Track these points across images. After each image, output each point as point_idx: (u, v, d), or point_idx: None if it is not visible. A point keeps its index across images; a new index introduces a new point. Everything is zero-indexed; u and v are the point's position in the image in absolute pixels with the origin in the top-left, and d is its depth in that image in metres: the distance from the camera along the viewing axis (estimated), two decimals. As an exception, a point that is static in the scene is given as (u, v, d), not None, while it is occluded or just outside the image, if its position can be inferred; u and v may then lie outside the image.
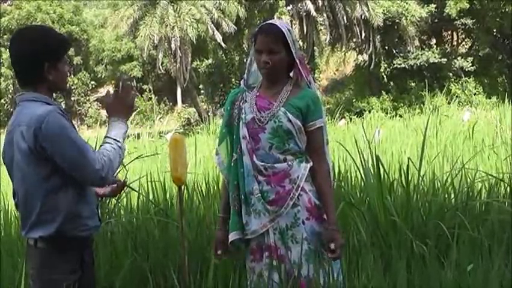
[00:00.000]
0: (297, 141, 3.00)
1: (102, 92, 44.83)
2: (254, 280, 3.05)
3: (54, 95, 2.79)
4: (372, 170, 4.65)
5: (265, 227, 2.99)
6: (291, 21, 34.10)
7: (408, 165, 4.56)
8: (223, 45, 33.47)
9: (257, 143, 3.00)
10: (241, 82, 3.19)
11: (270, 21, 3.15)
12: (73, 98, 40.19)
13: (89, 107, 41.48)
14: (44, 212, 2.64)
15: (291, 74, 3.09)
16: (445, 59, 33.34)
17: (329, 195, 3.03)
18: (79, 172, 2.60)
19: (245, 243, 3.07)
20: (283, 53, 2.99)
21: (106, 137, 2.72)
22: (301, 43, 34.11)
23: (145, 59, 36.43)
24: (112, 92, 2.80)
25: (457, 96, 27.10)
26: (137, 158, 6.49)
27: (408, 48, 33.47)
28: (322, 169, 3.04)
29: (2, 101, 38.09)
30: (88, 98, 41.74)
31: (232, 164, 3.05)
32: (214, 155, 3.26)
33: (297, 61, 3.04)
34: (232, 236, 3.05)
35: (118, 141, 2.70)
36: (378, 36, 33.47)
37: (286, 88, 3.04)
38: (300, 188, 2.98)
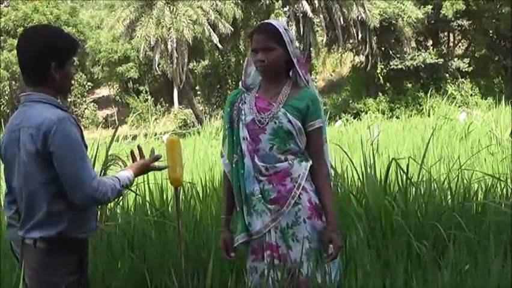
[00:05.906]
0: (298, 142, 3.00)
1: (99, 93, 44.80)
2: (256, 279, 3.05)
3: None
4: (370, 170, 4.65)
5: (268, 227, 2.99)
6: (288, 22, 34.09)
7: (408, 166, 4.56)
8: (220, 46, 33.45)
9: (257, 143, 3.00)
10: (240, 83, 3.19)
11: (266, 21, 3.16)
12: (69, 99, 40.11)
13: (85, 108, 41.43)
14: (51, 213, 2.63)
15: (290, 74, 3.09)
16: (442, 60, 33.38)
17: (327, 196, 3.03)
18: (73, 187, 2.58)
19: (245, 244, 3.08)
20: (278, 51, 2.98)
21: (114, 176, 2.79)
22: (297, 44, 34.10)
23: (141, 60, 36.38)
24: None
25: (453, 98, 27.12)
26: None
27: (405, 49, 33.50)
28: (321, 170, 3.05)
29: (-2, 102, 38.01)
30: (84, 99, 41.68)
31: (234, 165, 3.05)
32: (220, 157, 3.26)
33: (295, 60, 3.03)
34: (240, 239, 3.05)
35: (120, 180, 2.74)
36: (375, 38, 33.50)
37: (286, 89, 3.03)
38: (301, 187, 2.98)
